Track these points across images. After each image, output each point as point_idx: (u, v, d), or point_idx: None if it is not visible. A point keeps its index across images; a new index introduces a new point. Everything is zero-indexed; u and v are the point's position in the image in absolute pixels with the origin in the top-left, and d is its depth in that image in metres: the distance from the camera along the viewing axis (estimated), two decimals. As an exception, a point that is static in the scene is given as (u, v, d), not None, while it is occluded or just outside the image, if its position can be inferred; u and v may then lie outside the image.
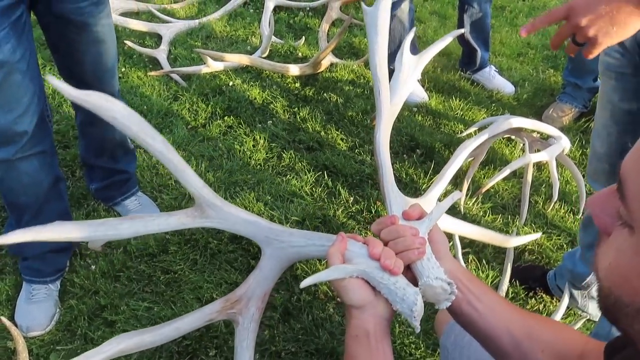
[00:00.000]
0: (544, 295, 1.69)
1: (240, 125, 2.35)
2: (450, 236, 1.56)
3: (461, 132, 2.32)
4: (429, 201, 1.01)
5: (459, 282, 0.77)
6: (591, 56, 0.88)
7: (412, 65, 1.09)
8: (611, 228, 0.47)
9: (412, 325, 0.73)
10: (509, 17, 3.38)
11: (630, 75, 1.13)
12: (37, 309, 1.56)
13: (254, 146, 2.24)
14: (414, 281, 0.76)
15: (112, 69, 1.59)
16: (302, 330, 1.53)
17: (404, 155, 2.19)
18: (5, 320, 1.38)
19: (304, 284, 0.73)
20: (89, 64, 1.51)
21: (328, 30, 3.10)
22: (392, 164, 2.07)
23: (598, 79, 2.41)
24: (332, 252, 0.77)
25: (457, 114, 2.46)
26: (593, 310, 1.61)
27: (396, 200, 0.91)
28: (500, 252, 1.82)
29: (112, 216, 1.86)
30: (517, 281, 1.69)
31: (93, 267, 1.69)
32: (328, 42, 2.97)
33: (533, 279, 1.72)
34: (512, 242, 1.14)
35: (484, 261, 1.76)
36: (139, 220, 0.75)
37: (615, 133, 1.25)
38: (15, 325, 1.54)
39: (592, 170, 1.42)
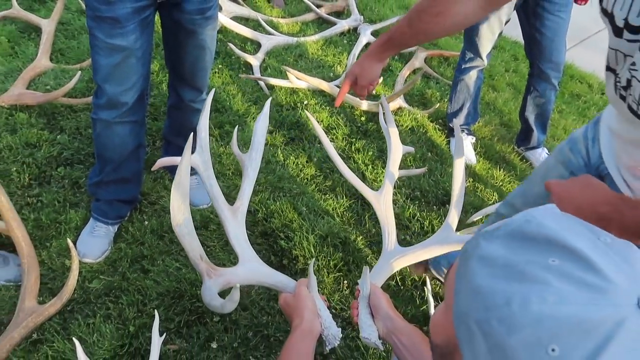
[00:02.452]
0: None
1: (301, 141, 2.64)
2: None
3: (495, 201, 2.48)
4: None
5: (393, 335, 1.05)
6: None
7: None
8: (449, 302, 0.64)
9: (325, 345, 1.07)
10: (581, 106, 3.46)
11: None
12: (95, 242, 1.91)
13: (307, 162, 2.52)
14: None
15: (206, 70, 1.93)
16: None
17: (434, 207, 2.39)
18: (70, 242, 1.75)
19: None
20: (188, 62, 1.85)
21: (407, 76, 3.35)
22: (422, 212, 2.28)
23: None
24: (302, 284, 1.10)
25: (497, 183, 2.61)
26: None
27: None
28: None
29: (173, 186, 2.21)
30: None
31: (146, 222, 2.03)
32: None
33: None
34: None
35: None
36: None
37: (520, 205, 1.40)
38: (76, 249, 1.90)
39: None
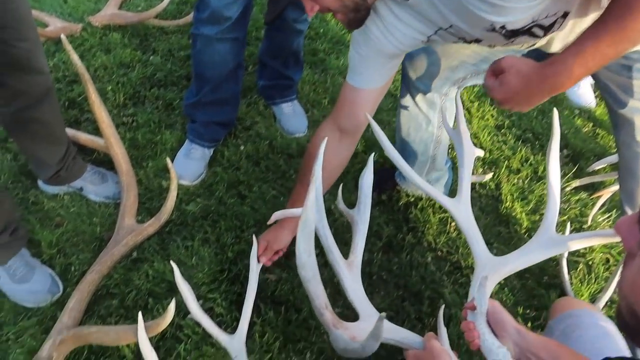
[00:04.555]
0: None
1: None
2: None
3: (618, 149, 2.20)
4: None
5: (528, 353, 0.89)
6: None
7: None
8: (636, 251, 0.54)
9: None
10: None
11: None
12: (191, 165, 1.84)
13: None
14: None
15: None
16: (397, 264, 1.65)
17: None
18: (169, 162, 1.68)
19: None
20: None
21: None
22: (535, 155, 2.06)
23: None
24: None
25: (621, 129, 2.32)
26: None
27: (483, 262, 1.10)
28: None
29: (268, 112, 2.10)
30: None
31: (242, 147, 1.94)
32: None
33: (383, 181, 1.85)
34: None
35: (593, 274, 1.73)
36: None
37: None
38: (172, 170, 1.84)
39: None
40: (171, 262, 1.16)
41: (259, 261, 1.34)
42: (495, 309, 0.95)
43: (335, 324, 0.95)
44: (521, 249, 1.11)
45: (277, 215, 1.26)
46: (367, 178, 1.18)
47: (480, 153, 1.33)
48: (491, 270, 1.08)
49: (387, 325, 1.03)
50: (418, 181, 1.18)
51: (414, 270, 1.63)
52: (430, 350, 0.93)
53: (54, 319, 1.40)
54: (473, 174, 1.92)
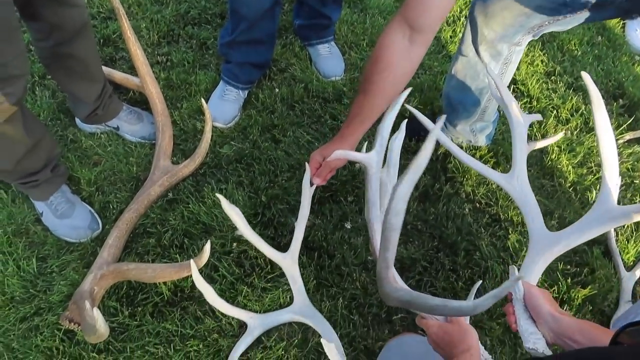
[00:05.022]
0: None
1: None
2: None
3: (679, 100, 2.04)
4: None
5: (564, 337, 0.87)
6: None
7: None
8: None
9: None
10: None
11: None
12: (226, 106, 1.81)
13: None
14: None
15: None
16: (433, 215, 1.61)
17: (603, 100, 2.01)
18: (204, 103, 1.65)
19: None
20: None
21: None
22: (587, 105, 1.94)
23: None
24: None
25: (684, 79, 2.14)
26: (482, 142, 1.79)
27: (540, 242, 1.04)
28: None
29: (304, 54, 2.02)
30: (408, 137, 1.52)
31: (277, 90, 1.89)
32: None
33: (422, 128, 1.66)
34: None
35: (641, 232, 1.65)
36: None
37: None
38: (206, 112, 1.82)
39: None
40: (217, 195, 1.16)
41: (312, 184, 1.28)
42: (532, 294, 0.93)
43: (394, 279, 0.93)
44: (577, 223, 1.03)
45: (337, 154, 1.16)
46: (398, 141, 1.16)
47: (537, 117, 1.22)
48: (546, 247, 1.03)
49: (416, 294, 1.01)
50: (469, 161, 1.12)
51: (450, 221, 1.59)
52: (457, 324, 0.92)
53: (94, 254, 1.44)
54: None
